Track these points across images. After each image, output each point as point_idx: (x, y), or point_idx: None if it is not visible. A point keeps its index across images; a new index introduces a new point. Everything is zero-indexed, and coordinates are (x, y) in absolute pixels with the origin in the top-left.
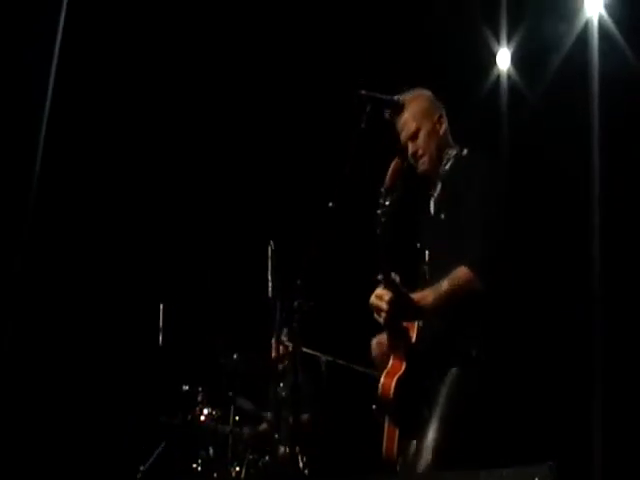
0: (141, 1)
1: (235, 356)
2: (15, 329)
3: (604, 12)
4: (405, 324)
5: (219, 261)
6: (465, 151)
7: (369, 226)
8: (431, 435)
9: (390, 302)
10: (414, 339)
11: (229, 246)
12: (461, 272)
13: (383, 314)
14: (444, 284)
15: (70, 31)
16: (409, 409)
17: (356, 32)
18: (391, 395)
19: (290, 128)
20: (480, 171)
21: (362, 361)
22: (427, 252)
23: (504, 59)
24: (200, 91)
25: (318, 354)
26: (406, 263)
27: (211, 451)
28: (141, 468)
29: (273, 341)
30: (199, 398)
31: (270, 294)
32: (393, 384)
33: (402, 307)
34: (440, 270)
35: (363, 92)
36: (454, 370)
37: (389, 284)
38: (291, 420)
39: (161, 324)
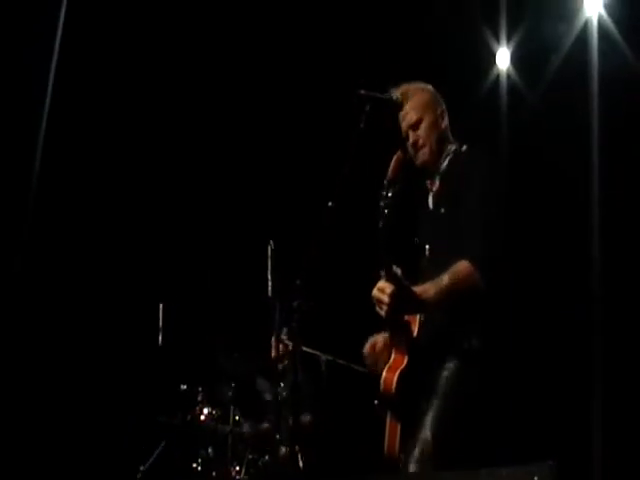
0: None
1: (235, 356)
2: (15, 329)
3: (604, 12)
4: (407, 318)
5: (219, 261)
6: (465, 147)
7: (369, 224)
8: (428, 429)
9: (392, 295)
10: (416, 333)
11: (229, 246)
12: (462, 266)
13: (384, 307)
14: (445, 278)
15: (70, 30)
16: (411, 404)
17: (355, 32)
18: (393, 390)
19: (289, 128)
20: (480, 169)
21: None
22: (427, 247)
23: (504, 59)
24: (200, 90)
25: (318, 353)
26: (406, 258)
27: (211, 451)
28: (141, 468)
29: (273, 341)
30: (199, 398)
31: (270, 294)
32: (395, 379)
33: (404, 300)
34: (440, 265)
35: (362, 92)
36: (454, 364)
37: (391, 277)
38: (291, 420)
39: (161, 324)
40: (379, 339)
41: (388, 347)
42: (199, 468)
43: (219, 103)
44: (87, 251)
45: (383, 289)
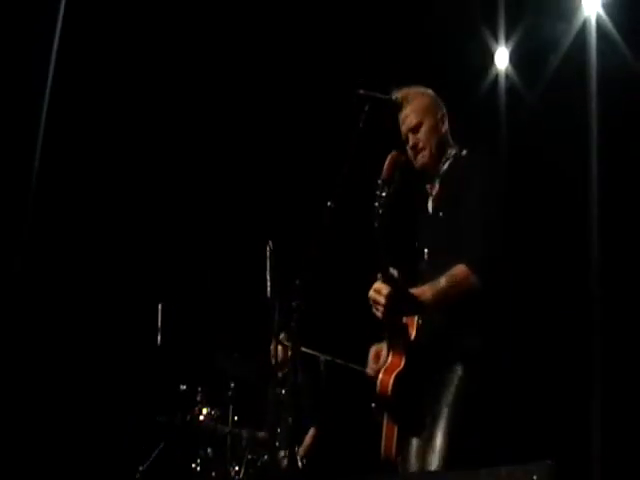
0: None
1: (234, 356)
2: (15, 329)
3: (602, 11)
4: (404, 320)
5: (217, 261)
6: (464, 151)
7: (367, 224)
8: (439, 438)
9: (388, 296)
10: (413, 336)
11: (227, 246)
12: (459, 270)
13: (381, 308)
14: (442, 281)
15: (69, 29)
16: (408, 406)
17: (355, 31)
18: (389, 392)
19: (289, 128)
20: (479, 171)
21: (361, 361)
22: (425, 250)
23: (502, 58)
24: (199, 90)
25: (317, 354)
26: (405, 261)
27: (210, 451)
28: (140, 468)
29: (272, 346)
30: (198, 398)
31: (269, 294)
32: (391, 381)
33: (400, 301)
34: (439, 268)
35: (361, 91)
36: (456, 369)
37: (387, 278)
38: (291, 420)
39: (159, 324)
40: (383, 347)
41: (385, 349)
42: (198, 468)
43: (218, 103)
44: (86, 251)
45: (379, 290)
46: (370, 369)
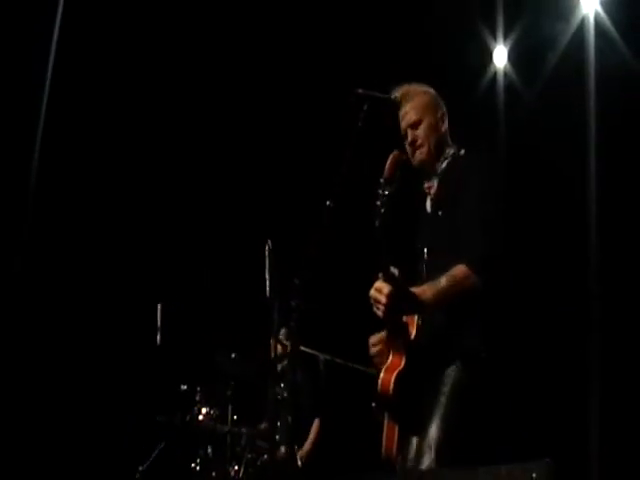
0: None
1: (233, 355)
2: (15, 329)
3: (600, 9)
4: (405, 319)
5: (217, 260)
6: (463, 151)
7: (367, 223)
8: (433, 434)
9: (389, 295)
10: (414, 335)
11: (227, 245)
12: (459, 270)
13: (381, 307)
14: (442, 280)
15: (68, 29)
16: (409, 405)
17: (354, 30)
18: (390, 391)
19: (287, 127)
20: (478, 170)
21: (361, 360)
22: (425, 250)
23: (501, 57)
24: (198, 89)
25: (316, 353)
26: (404, 260)
27: (210, 450)
28: (140, 468)
29: (271, 341)
30: (197, 397)
31: (268, 293)
32: (392, 380)
33: (401, 300)
34: (438, 268)
35: (360, 90)
36: (455, 367)
37: (388, 277)
38: (290, 419)
39: (159, 324)
40: (381, 336)
41: (386, 348)
42: (198, 468)
43: (218, 102)
44: (86, 251)
45: (380, 289)
46: (372, 347)
